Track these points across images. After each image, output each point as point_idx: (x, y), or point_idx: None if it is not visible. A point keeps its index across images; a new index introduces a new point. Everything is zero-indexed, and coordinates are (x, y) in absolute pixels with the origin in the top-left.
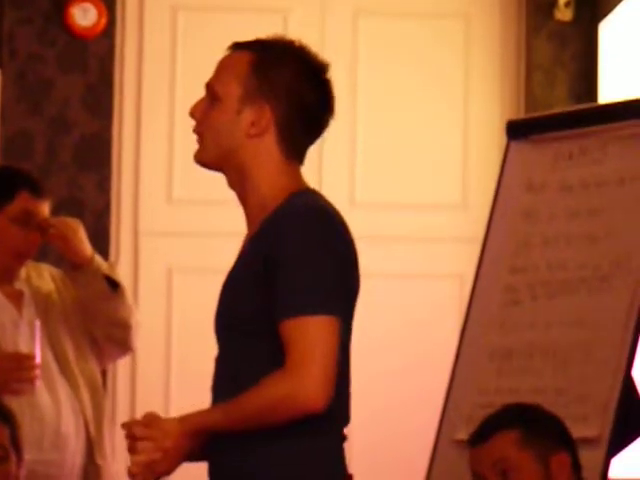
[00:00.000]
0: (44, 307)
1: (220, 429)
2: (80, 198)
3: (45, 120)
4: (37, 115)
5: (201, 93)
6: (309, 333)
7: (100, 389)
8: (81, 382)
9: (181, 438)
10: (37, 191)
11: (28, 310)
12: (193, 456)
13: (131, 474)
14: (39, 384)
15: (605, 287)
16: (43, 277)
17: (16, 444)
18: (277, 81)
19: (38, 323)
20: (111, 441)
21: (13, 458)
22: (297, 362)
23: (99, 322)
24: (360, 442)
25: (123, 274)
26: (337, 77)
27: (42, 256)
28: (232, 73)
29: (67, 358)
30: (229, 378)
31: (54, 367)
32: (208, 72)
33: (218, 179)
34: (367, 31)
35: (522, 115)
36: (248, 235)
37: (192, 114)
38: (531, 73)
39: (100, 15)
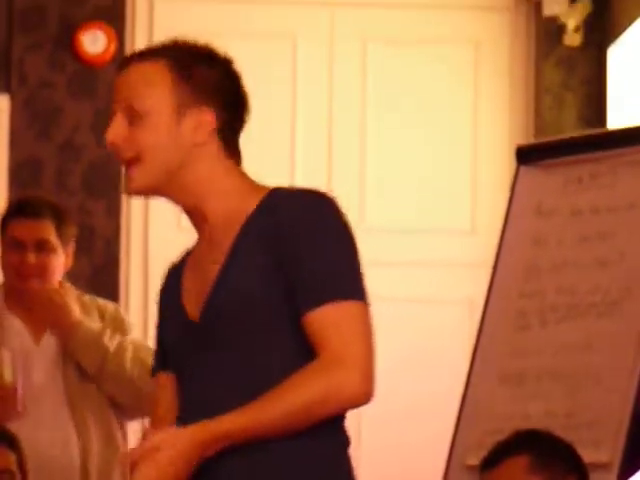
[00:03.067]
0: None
1: (247, 435)
2: (90, 224)
3: (54, 146)
4: (46, 141)
5: None
6: (351, 319)
7: (115, 439)
8: (90, 422)
9: (194, 450)
10: (23, 214)
11: (48, 340)
12: None
13: None
14: (26, 413)
15: (615, 312)
16: (90, 314)
17: (22, 469)
18: (207, 81)
19: (8, 354)
20: None
21: None
22: (340, 351)
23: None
24: (371, 467)
25: (133, 300)
26: (346, 103)
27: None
28: (154, 84)
29: (75, 394)
30: (238, 384)
31: (54, 397)
32: None
33: None
34: (376, 57)
35: (531, 140)
36: (219, 244)
37: (112, 143)
38: (540, 98)
39: (109, 42)
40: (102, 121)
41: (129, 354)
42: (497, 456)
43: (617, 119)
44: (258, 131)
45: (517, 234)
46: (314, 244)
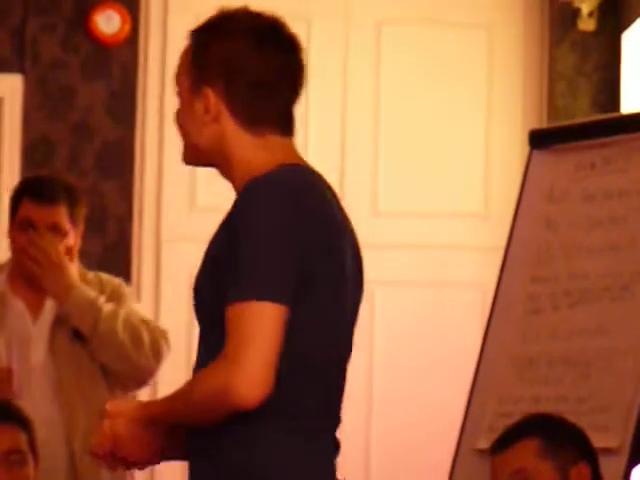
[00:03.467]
0: (62, 322)
1: (166, 420)
2: (102, 205)
3: (67, 127)
4: (59, 122)
5: None
6: (242, 321)
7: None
8: (78, 404)
9: (132, 424)
10: (38, 197)
11: (43, 321)
12: (166, 454)
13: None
14: (22, 394)
15: (627, 296)
16: (91, 288)
17: (33, 449)
18: (209, 61)
19: (5, 335)
20: None
21: (31, 462)
22: (229, 352)
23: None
24: (381, 451)
25: (145, 280)
26: (360, 85)
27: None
28: (181, 68)
29: (65, 374)
30: (199, 360)
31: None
32: None
33: None
34: (390, 40)
35: (544, 125)
36: None
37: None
38: (554, 83)
39: (124, 22)
40: (115, 102)
41: (121, 319)
42: (507, 439)
43: (631, 104)
44: None
45: (530, 218)
46: (233, 241)
